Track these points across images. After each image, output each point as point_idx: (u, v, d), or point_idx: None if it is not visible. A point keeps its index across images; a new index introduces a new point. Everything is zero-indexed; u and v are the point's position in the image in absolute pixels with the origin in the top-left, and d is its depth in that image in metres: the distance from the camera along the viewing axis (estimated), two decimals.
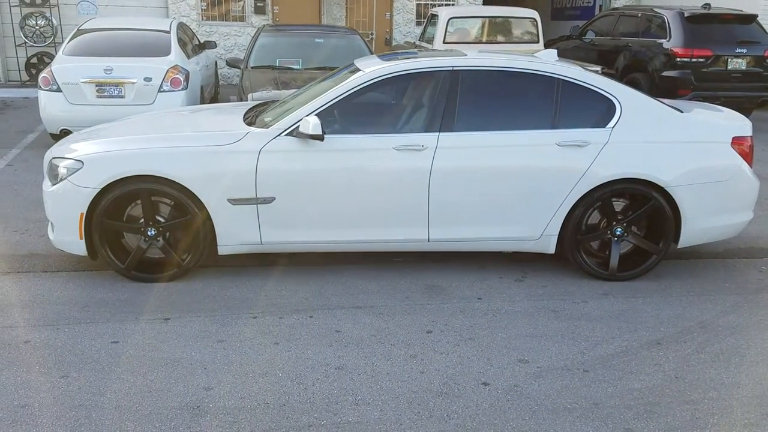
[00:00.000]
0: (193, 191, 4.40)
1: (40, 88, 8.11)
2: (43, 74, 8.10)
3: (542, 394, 3.31)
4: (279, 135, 4.48)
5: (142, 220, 4.51)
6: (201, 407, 3.13)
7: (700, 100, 9.04)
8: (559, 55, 5.30)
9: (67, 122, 8.04)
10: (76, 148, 4.58)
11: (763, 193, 6.71)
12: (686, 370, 3.56)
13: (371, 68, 4.68)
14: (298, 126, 4.44)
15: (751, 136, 4.81)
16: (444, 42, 10.77)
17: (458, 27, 10.85)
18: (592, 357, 3.68)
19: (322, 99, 4.57)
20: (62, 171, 4.46)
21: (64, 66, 8.10)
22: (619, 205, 4.78)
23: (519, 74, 4.70)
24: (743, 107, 10.06)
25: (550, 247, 4.74)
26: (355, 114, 4.66)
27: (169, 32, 9.04)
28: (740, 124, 4.83)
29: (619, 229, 4.72)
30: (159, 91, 8.15)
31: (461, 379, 3.42)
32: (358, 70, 4.81)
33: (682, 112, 4.86)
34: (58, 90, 8.03)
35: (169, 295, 4.36)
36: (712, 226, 4.77)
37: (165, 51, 8.62)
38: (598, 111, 4.67)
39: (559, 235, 4.71)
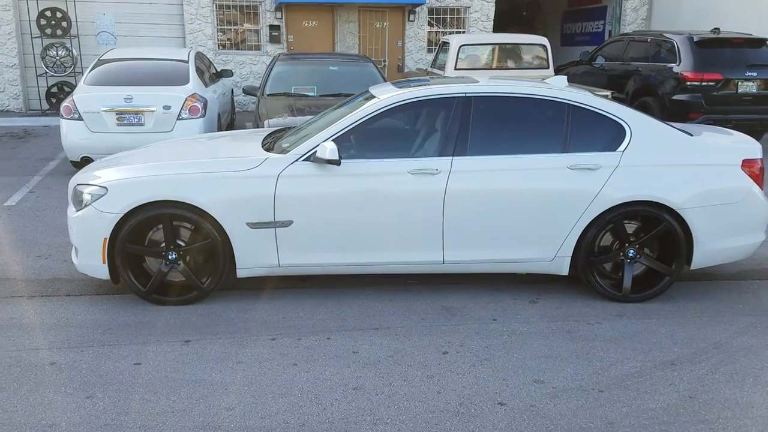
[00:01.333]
0: (213, 215, 4.52)
1: (62, 116, 8.32)
2: (65, 103, 8.32)
3: (558, 414, 3.36)
4: (297, 160, 4.60)
5: (163, 245, 4.61)
6: (222, 427, 3.20)
7: (711, 124, 9.11)
8: (569, 81, 5.41)
9: (88, 150, 8.24)
10: (100, 174, 4.72)
11: None
12: (701, 390, 3.60)
13: (386, 95, 4.80)
14: (315, 151, 4.56)
15: (761, 159, 4.87)
16: (455, 68, 10.93)
17: (469, 54, 11.02)
18: (607, 377, 3.72)
19: (338, 125, 4.69)
20: (87, 197, 4.59)
21: (85, 95, 8.31)
22: (631, 227, 4.84)
23: (530, 100, 4.81)
24: (754, 130, 10.11)
25: (564, 269, 4.80)
26: (370, 139, 4.78)
27: (187, 61, 9.26)
28: (750, 147, 4.90)
29: (631, 251, 4.77)
30: (178, 118, 8.34)
31: (478, 399, 3.48)
32: (373, 97, 4.94)
33: (692, 135, 4.94)
34: (80, 119, 8.24)
35: (189, 317, 4.45)
36: (724, 248, 4.82)
37: (183, 80, 8.82)
38: (608, 135, 4.76)
39: (572, 256, 4.77)
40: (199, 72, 9.42)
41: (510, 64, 11.26)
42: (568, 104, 4.79)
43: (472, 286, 5.04)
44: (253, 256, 4.64)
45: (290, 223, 4.58)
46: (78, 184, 4.74)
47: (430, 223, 4.64)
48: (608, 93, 9.11)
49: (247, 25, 14.45)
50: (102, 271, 4.60)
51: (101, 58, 9.32)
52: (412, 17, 14.99)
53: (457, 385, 3.62)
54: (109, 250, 4.55)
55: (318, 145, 4.57)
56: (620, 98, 12.10)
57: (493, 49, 11.19)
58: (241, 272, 4.68)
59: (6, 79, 13.74)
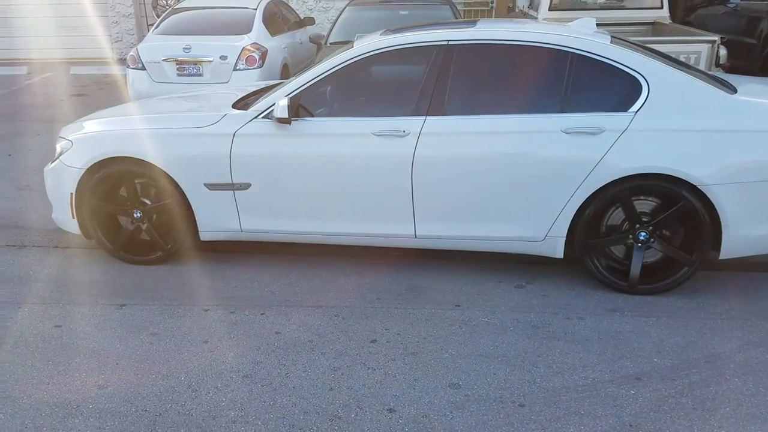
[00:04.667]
0: (170, 174, 4.29)
1: (128, 66, 8.48)
2: (131, 53, 8.47)
3: (449, 429, 2.82)
4: (256, 117, 4.23)
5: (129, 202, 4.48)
6: (80, 407, 3.01)
7: None
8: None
9: None
10: (78, 127, 4.64)
11: None
12: (649, 418, 2.88)
13: (359, 44, 4.27)
14: (273, 108, 4.16)
15: None
16: (550, 9, 9.85)
17: None
18: (541, 389, 3.09)
19: (302, 78, 4.25)
20: (58, 150, 4.54)
21: (148, 45, 8.40)
22: (648, 204, 4.00)
23: (523, 48, 4.06)
24: None
25: (557, 251, 4.09)
26: (337, 96, 4.29)
27: (255, 9, 9.07)
28: None
29: (643, 233, 3.96)
30: (234, 69, 8.21)
31: (369, 402, 3.01)
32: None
33: (734, 93, 3.96)
34: (143, 68, 8.34)
35: (144, 279, 4.31)
36: (765, 235, 3.86)
37: (247, 29, 8.67)
38: (619, 92, 3.92)
39: (567, 237, 4.05)
40: (272, 20, 9.20)
41: (614, 3, 9.98)
42: (572, 53, 3.99)
43: (458, 264, 4.46)
44: (214, 219, 4.38)
45: (248, 185, 4.25)
46: (59, 136, 4.70)
47: (399, 192, 4.11)
48: (716, 38, 7.75)
49: None
50: (73, 226, 4.55)
51: (175, 8, 9.37)
52: None
53: (358, 382, 3.17)
54: (77, 205, 4.48)
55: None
56: (750, 44, 10.46)
57: None
58: (204, 235, 4.45)
59: (123, 28, 14.41)
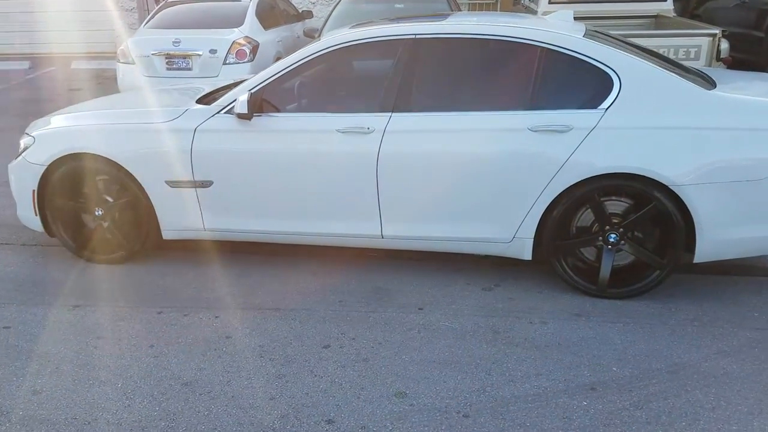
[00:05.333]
0: (130, 171, 4.19)
1: (118, 60, 8.41)
2: (120, 47, 8.39)
3: None
4: (218, 113, 4.12)
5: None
6: (9, 413, 2.92)
7: None
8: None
9: None
10: (44, 122, 4.55)
11: None
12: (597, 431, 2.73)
13: (326, 38, 4.14)
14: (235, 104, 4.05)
15: None
16: (550, 2, 9.63)
17: None
18: (490, 398, 2.95)
19: (265, 73, 4.13)
20: (21, 146, 4.46)
21: (138, 39, 8.33)
22: (619, 205, 3.84)
23: (492, 43, 3.90)
24: None
25: (525, 253, 3.94)
26: (302, 91, 4.17)
27: (249, 3, 8.96)
28: None
29: (613, 235, 3.80)
30: (224, 63, 8.11)
31: (309, 412, 2.89)
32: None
33: (712, 89, 3.77)
34: (133, 62, 8.26)
35: (103, 279, 4.22)
36: (741, 238, 3.69)
37: (238, 22, 8.56)
38: (589, 88, 3.76)
39: (535, 238, 3.90)
40: (267, 14, 9.08)
41: None
42: (541, 47, 3.82)
43: (431, 265, 4.32)
44: (176, 217, 4.28)
45: (210, 183, 4.15)
46: (25, 131, 4.62)
47: (364, 191, 3.98)
48: (716, 31, 7.51)
49: None
50: (36, 224, 4.48)
51: (168, 1, 9.29)
52: None
53: (302, 390, 3.05)
54: (39, 202, 4.40)
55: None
56: (759, 38, 10.19)
57: None
58: (166, 234, 4.35)
59: (126, 23, 14.36)
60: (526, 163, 3.74)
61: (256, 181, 4.07)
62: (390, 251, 4.44)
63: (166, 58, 8.14)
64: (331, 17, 8.76)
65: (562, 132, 3.70)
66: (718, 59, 7.59)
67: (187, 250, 4.58)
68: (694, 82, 3.76)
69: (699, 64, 7.61)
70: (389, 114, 3.92)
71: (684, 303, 3.80)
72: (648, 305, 3.78)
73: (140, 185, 4.21)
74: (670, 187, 3.60)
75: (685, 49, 7.62)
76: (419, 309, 3.79)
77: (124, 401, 2.98)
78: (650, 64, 3.74)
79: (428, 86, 3.95)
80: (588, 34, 3.99)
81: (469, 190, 3.86)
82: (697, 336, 3.45)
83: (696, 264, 3.80)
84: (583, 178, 3.68)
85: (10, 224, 5.12)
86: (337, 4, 9.01)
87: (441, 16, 4.35)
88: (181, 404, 2.95)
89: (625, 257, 3.90)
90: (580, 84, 3.76)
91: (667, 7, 9.62)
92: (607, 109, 3.69)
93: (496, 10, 13.62)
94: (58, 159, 4.26)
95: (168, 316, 3.73)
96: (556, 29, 3.89)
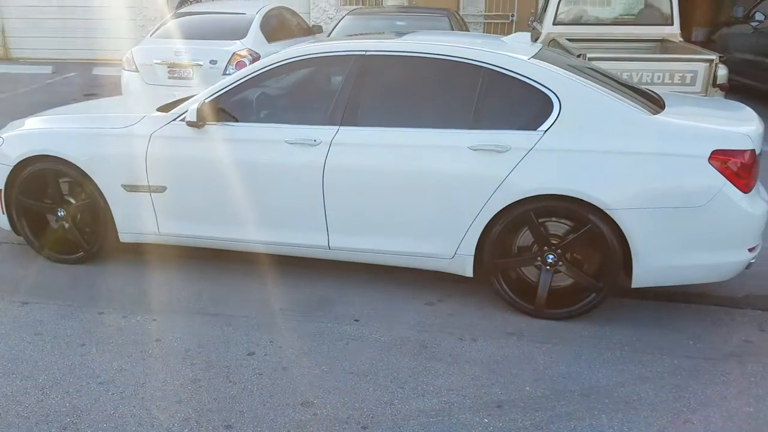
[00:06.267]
0: (89, 174, 4.32)
1: (123, 68, 8.64)
2: (126, 55, 8.63)
3: None
4: (173, 120, 4.24)
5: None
6: None
7: None
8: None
9: None
10: (18, 124, 4.72)
11: None
12: None
13: (283, 51, 4.23)
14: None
15: (750, 151, 3.57)
16: (554, 24, 9.65)
17: (571, 8, 9.66)
18: (395, 411, 2.98)
19: (222, 83, 4.24)
20: None
21: (142, 48, 8.55)
22: (560, 227, 3.83)
23: (437, 61, 3.95)
24: None
25: (467, 270, 3.96)
26: (256, 101, 4.26)
27: (254, 16, 9.14)
28: (733, 134, 3.61)
29: (551, 256, 3.80)
30: (224, 73, 8.26)
31: (210, 417, 2.95)
32: None
33: (657, 114, 3.76)
34: (136, 70, 8.49)
35: (59, 278, 4.35)
36: (681, 265, 3.65)
37: (242, 34, 8.73)
38: (530, 109, 3.77)
39: (476, 255, 3.91)
40: (273, 27, 9.25)
41: (623, 18, 9.72)
42: (485, 68, 3.86)
43: (379, 277, 4.35)
44: (132, 221, 4.39)
45: (164, 188, 4.26)
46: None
47: (311, 202, 4.05)
48: (713, 57, 7.43)
49: None
50: (3, 222, 4.63)
51: (177, 12, 9.52)
52: None
53: (212, 396, 3.10)
54: (6, 201, 4.56)
55: None
56: (754, 64, 10.05)
57: (602, 2, 9.70)
58: (123, 236, 4.46)
59: (149, 32, 14.72)
60: (466, 181, 3.77)
61: (206, 188, 4.16)
62: (347, 263, 4.48)
63: (168, 67, 8.34)
64: (333, 32, 8.92)
65: (500, 152, 3.72)
66: (715, 85, 7.50)
67: (144, 253, 4.68)
68: (638, 106, 3.75)
69: (694, 90, 7.55)
70: (337, 127, 3.98)
71: (621, 327, 3.77)
72: (584, 328, 3.76)
73: (98, 188, 4.34)
74: (605, 210, 3.59)
75: (681, 74, 7.54)
76: (355, 320, 3.82)
77: (38, 395, 3.08)
78: (593, 88, 3.75)
79: (375, 101, 4.01)
80: (539, 56, 4.01)
81: (411, 205, 3.89)
82: (623, 360, 3.42)
83: (643, 290, 3.78)
84: (519, 198, 3.69)
85: None
86: (341, 20, 9.15)
87: (400, 35, 4.41)
88: (90, 402, 3.03)
89: (566, 279, 3.89)
90: (521, 105, 3.79)
91: (674, 31, 9.54)
92: (545, 131, 3.70)
93: (511, 31, 13.64)
94: (23, 160, 4.41)
95: (108, 317, 3.83)
96: (501, 50, 3.92)
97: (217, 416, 2.94)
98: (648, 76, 7.55)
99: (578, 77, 3.80)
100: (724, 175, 3.53)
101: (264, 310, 3.93)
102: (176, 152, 4.17)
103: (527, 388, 3.16)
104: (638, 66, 7.56)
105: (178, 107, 4.29)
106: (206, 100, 4.14)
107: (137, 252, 4.70)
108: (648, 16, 9.67)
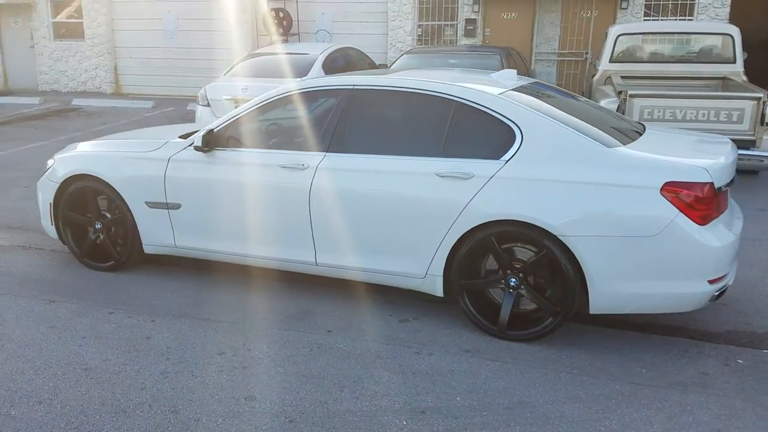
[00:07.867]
0: (119, 192, 4.93)
1: (198, 102, 9.48)
2: (201, 91, 9.47)
3: (210, 431, 3.09)
4: (189, 146, 4.77)
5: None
6: None
7: None
8: None
9: None
10: (71, 147, 5.44)
11: None
12: None
13: (283, 87, 4.70)
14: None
15: (703, 184, 3.63)
16: (611, 61, 9.70)
17: (629, 45, 9.67)
18: (325, 409, 3.26)
19: (231, 114, 4.74)
20: (47, 166, 5.37)
21: (214, 85, 9.37)
22: (524, 252, 4.02)
23: (413, 95, 4.27)
24: None
25: (437, 289, 4.20)
26: (258, 130, 4.73)
27: (317, 56, 9.80)
28: (689, 167, 3.69)
29: (513, 279, 3.98)
30: None
31: (163, 403, 3.34)
32: None
33: (619, 146, 3.89)
34: (208, 105, 9.30)
35: (89, 283, 4.94)
36: (636, 293, 3.74)
37: (304, 72, 9.37)
38: (495, 140, 4.02)
39: (444, 276, 4.16)
40: (337, 66, 9.86)
41: (682, 56, 9.61)
42: (456, 102, 4.15)
43: (365, 294, 4.66)
44: (154, 234, 4.95)
45: (179, 206, 4.79)
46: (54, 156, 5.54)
47: (301, 221, 4.44)
48: (761, 94, 7.25)
49: (444, 21, 14.53)
50: (52, 232, 5.33)
51: (251, 53, 10.33)
52: (624, 4, 13.51)
53: (171, 386, 3.51)
54: (54, 214, 5.26)
55: None
56: None
57: (662, 40, 9.65)
58: (147, 248, 5.02)
59: None
60: (434, 205, 4.04)
61: (212, 207, 4.65)
62: (335, 279, 4.82)
63: (235, 102, 9.07)
64: (391, 69, 9.38)
65: (464, 179, 3.97)
66: (763, 123, 7.32)
67: (164, 264, 5.22)
68: (600, 139, 3.89)
69: (742, 128, 7.40)
70: (324, 153, 4.37)
71: (578, 351, 3.87)
72: (542, 350, 3.89)
73: (127, 204, 4.93)
74: (558, 236, 3.75)
75: (727, 112, 7.42)
76: (328, 331, 4.14)
77: (31, 375, 3.60)
78: (555, 122, 3.93)
79: (359, 130, 4.37)
80: (520, 89, 4.26)
81: (386, 226, 4.20)
82: (564, 382, 3.54)
83: (626, 320, 3.89)
84: (480, 222, 3.92)
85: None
86: (398, 58, 9.62)
87: (390, 71, 4.77)
88: (70, 383, 3.52)
89: (530, 302, 4.04)
90: (486, 136, 4.03)
91: (736, 70, 9.34)
92: (507, 160, 3.92)
93: (585, 68, 13.66)
94: (68, 178, 5.09)
95: (115, 317, 4.35)
96: (473, 85, 4.19)
97: (168, 402, 3.34)
98: (692, 113, 7.48)
99: (541, 112, 3.99)
100: (676, 207, 3.61)
101: (250, 318, 4.33)
102: (188, 174, 4.70)
103: (457, 398, 3.36)
104: (683, 104, 7.49)
105: (197, 134, 4.83)
106: (214, 129, 4.65)
107: (158, 263, 5.24)
108: (709, 54, 9.51)
